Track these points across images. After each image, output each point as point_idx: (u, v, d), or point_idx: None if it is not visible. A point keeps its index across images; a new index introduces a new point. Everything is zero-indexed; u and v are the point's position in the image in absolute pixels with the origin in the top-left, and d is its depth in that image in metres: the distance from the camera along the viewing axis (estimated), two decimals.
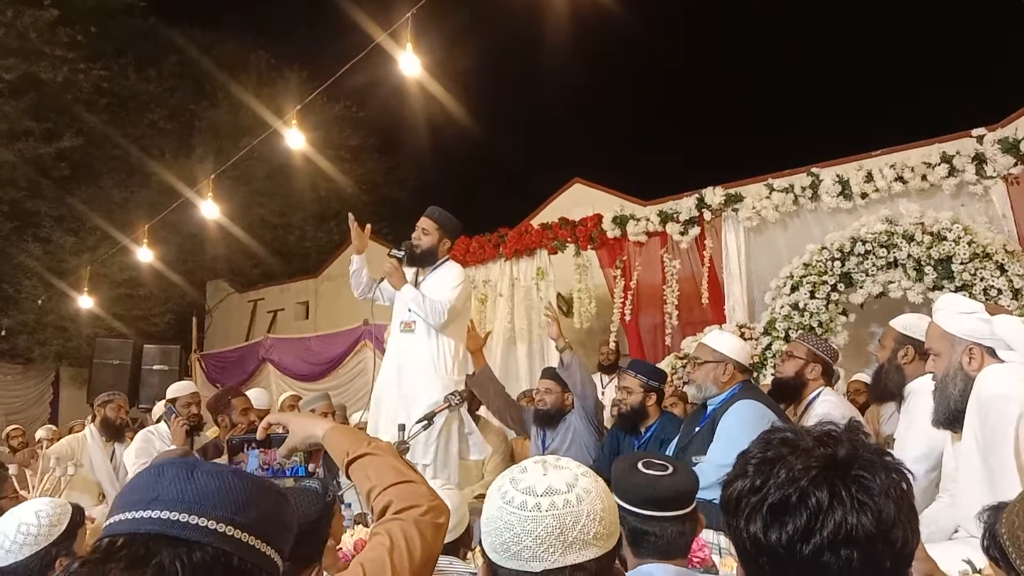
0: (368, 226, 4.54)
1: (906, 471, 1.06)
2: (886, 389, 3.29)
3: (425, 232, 4.42)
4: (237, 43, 16.57)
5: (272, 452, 1.59)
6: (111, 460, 5.77)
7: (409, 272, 4.49)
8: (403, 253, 4.34)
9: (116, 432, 5.87)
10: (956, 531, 2.53)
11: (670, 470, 1.97)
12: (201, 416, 5.27)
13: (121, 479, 5.43)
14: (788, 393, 3.83)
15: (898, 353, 3.20)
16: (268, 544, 1.06)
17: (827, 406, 3.73)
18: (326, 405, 5.28)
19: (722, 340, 3.74)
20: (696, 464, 3.33)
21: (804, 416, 3.77)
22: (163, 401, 5.62)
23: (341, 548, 3.12)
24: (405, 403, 4.18)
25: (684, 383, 6.24)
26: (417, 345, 4.30)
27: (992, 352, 2.38)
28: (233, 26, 16.61)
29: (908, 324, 3.21)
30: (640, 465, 1.99)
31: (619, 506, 1.91)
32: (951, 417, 2.43)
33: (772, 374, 4.69)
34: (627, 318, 7.12)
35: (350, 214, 4.54)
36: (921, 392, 2.70)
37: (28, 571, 2.04)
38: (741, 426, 3.31)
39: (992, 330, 2.37)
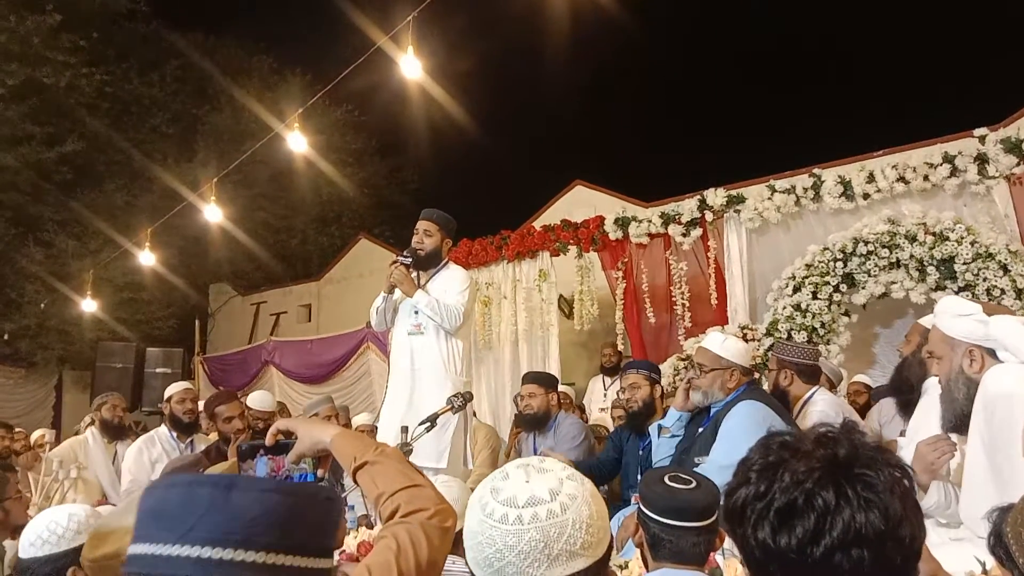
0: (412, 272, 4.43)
1: (907, 467, 1.05)
2: (906, 381, 3.31)
3: (428, 234, 4.42)
4: (239, 47, 16.62)
5: (281, 459, 1.60)
6: (113, 461, 5.78)
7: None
8: (410, 259, 4.33)
9: (117, 432, 5.87)
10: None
11: (693, 484, 2.08)
12: (197, 412, 5.27)
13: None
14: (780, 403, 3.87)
15: (923, 347, 3.22)
16: (317, 556, 0.97)
17: (821, 405, 3.80)
18: (330, 408, 5.28)
19: (727, 345, 3.70)
20: (699, 465, 3.33)
21: (800, 417, 3.80)
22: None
23: (344, 551, 3.13)
24: (416, 406, 4.18)
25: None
26: (428, 347, 4.32)
27: (993, 353, 2.38)
28: (235, 30, 16.68)
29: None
30: (667, 478, 2.10)
31: (643, 512, 2.06)
32: (959, 421, 2.43)
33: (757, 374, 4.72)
34: (651, 320, 7.09)
35: (398, 262, 4.38)
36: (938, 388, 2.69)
37: (41, 571, 2.05)
38: (744, 427, 3.31)
39: (988, 332, 2.37)
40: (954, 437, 2.53)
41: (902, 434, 3.30)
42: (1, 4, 11.43)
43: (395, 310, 4.48)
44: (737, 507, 1.07)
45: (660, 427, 3.98)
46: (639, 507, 2.10)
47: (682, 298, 6.90)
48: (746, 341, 5.70)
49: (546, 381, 5.15)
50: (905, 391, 3.40)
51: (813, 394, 3.90)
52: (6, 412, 11.87)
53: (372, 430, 5.41)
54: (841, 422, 1.12)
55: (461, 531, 2.44)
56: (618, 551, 2.97)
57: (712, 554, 2.46)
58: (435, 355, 4.30)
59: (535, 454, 4.76)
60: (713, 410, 3.63)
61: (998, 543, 1.53)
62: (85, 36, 12.59)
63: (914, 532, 1.01)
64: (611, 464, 4.57)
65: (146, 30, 14.76)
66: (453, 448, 4.20)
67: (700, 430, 3.62)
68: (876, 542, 0.97)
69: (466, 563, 2.37)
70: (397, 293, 4.42)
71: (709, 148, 16.82)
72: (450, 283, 4.42)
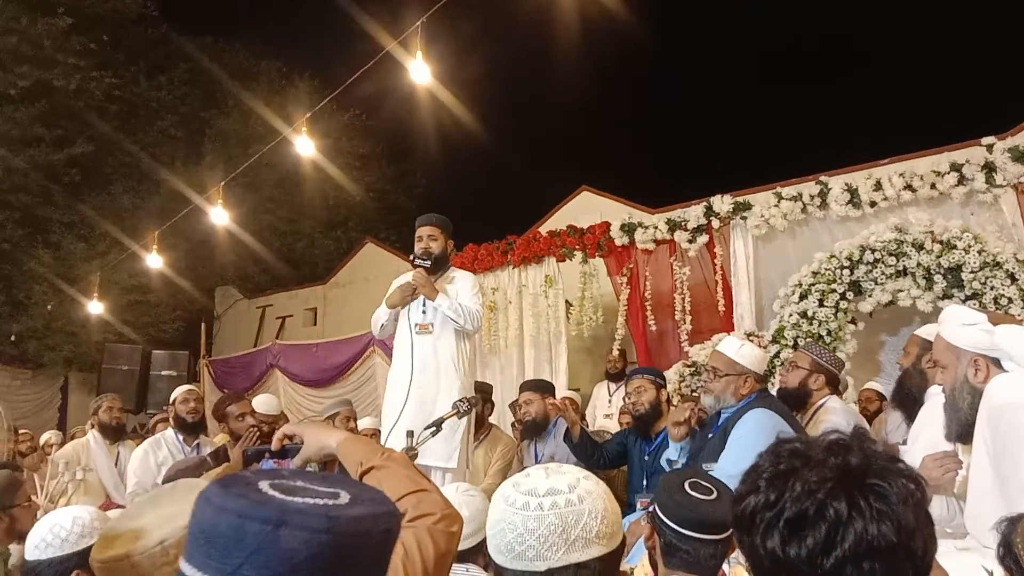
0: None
1: (920, 477, 1.04)
2: (909, 393, 3.30)
3: (432, 238, 4.44)
4: (248, 52, 16.74)
5: (286, 463, 1.60)
6: (116, 463, 5.80)
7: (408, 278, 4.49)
8: (429, 263, 4.34)
9: (116, 433, 5.91)
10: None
11: (714, 495, 2.01)
12: (201, 412, 5.29)
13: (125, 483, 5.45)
14: (792, 403, 3.81)
15: (922, 358, 3.21)
16: None
17: (835, 415, 3.73)
18: (349, 411, 5.30)
19: (742, 352, 3.64)
20: (708, 471, 3.32)
21: (810, 424, 3.77)
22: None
23: None
24: (424, 404, 4.18)
25: (692, 391, 6.23)
26: (437, 346, 4.33)
27: (998, 363, 2.37)
28: (244, 35, 16.81)
29: (932, 332, 3.20)
30: (687, 485, 2.03)
31: (659, 518, 2.00)
32: (963, 431, 2.42)
33: (774, 383, 4.66)
34: (652, 327, 7.08)
35: (419, 267, 4.36)
36: (940, 395, 2.69)
37: (46, 574, 2.05)
38: (754, 435, 3.29)
39: (993, 341, 2.36)
40: (959, 446, 2.53)
41: (904, 442, 3.30)
42: (12, 7, 11.52)
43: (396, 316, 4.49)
44: (746, 515, 1.05)
45: (669, 461, 3.96)
46: (655, 512, 2.05)
47: (683, 304, 6.89)
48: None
49: (542, 387, 5.16)
50: (908, 403, 3.39)
51: (825, 401, 3.87)
52: (12, 413, 11.92)
53: (375, 434, 5.42)
54: (852, 430, 1.10)
55: (482, 540, 2.45)
56: (624, 556, 2.96)
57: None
58: (445, 354, 4.32)
59: (538, 461, 4.78)
60: (723, 416, 3.59)
61: (1008, 554, 1.53)
62: (95, 39, 12.69)
63: (926, 544, 0.99)
64: (612, 452, 4.57)
65: (155, 34, 14.86)
66: (463, 448, 4.25)
67: (710, 436, 3.60)
68: (888, 554, 0.95)
69: (481, 569, 2.38)
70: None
71: (716, 155, 16.85)
72: (462, 286, 4.46)
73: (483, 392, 5.31)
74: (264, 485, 0.92)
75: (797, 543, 0.98)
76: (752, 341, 6.05)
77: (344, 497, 0.94)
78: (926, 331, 3.32)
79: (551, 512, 1.34)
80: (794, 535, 0.98)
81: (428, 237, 4.43)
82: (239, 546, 0.86)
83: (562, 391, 6.87)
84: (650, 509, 2.12)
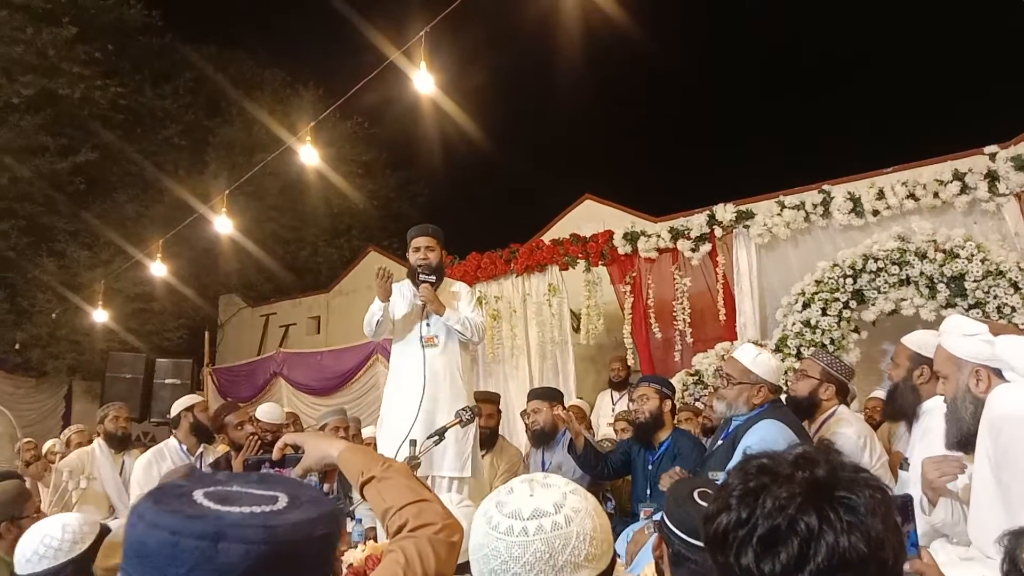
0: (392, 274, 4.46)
1: (884, 485, 1.05)
2: (901, 408, 3.26)
3: (430, 250, 4.45)
4: (252, 61, 16.78)
5: (287, 472, 1.60)
6: (120, 472, 5.80)
7: (404, 288, 4.50)
8: (434, 278, 4.35)
9: (121, 442, 5.91)
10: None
11: None
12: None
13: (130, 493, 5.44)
14: (801, 412, 3.77)
15: (913, 373, 3.17)
16: None
17: (844, 425, 3.71)
18: (339, 419, 5.29)
19: (759, 361, 3.59)
20: (715, 480, 3.30)
21: (819, 434, 3.74)
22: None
23: (352, 565, 3.13)
24: (434, 415, 4.17)
25: (696, 400, 6.22)
26: (443, 358, 4.36)
27: (999, 373, 2.37)
28: (248, 44, 16.86)
29: (922, 343, 3.17)
30: (696, 494, 1.98)
31: (668, 527, 1.94)
32: (964, 440, 2.42)
33: (784, 392, 4.63)
34: (657, 334, 7.06)
35: (383, 269, 4.43)
36: (935, 411, 2.68)
37: None
38: (761, 446, 3.26)
39: (994, 352, 2.36)
40: (961, 455, 2.52)
41: (904, 463, 3.26)
42: (18, 16, 11.58)
43: (392, 321, 4.49)
44: (719, 533, 1.05)
45: None
46: (663, 521, 2.00)
47: (683, 313, 6.88)
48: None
49: (550, 396, 5.14)
50: (899, 418, 3.35)
51: (835, 411, 3.84)
52: (16, 421, 11.93)
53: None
54: (817, 441, 1.10)
55: None
56: (627, 566, 2.96)
57: None
58: (452, 366, 4.36)
59: (544, 469, 4.77)
60: (733, 424, 3.57)
61: (1013, 569, 1.52)
62: (100, 48, 12.75)
63: (896, 553, 1.00)
64: (617, 463, 4.54)
65: (160, 43, 14.91)
66: (474, 458, 4.26)
67: (719, 443, 3.58)
68: (860, 566, 0.96)
69: None
70: (393, 303, 4.41)
71: (719, 163, 16.85)
72: (460, 299, 4.49)
73: (491, 402, 5.32)
74: (198, 495, 0.90)
75: (771, 559, 0.98)
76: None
77: (282, 501, 0.92)
78: (913, 339, 3.28)
79: (536, 537, 1.26)
80: (767, 551, 0.99)
81: (426, 248, 4.44)
82: (175, 563, 0.84)
83: (570, 400, 6.86)
84: (657, 517, 2.06)
